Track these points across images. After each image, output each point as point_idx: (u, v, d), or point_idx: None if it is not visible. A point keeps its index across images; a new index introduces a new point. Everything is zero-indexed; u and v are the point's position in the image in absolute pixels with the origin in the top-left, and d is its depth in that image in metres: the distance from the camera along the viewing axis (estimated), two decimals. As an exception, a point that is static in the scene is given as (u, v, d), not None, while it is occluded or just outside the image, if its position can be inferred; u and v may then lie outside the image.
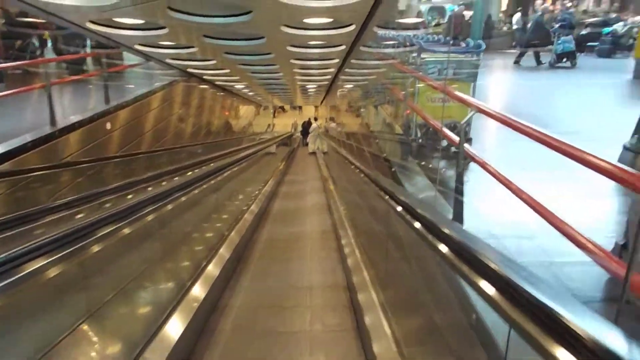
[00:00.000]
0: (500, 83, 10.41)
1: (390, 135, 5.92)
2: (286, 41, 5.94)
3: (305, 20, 5.06)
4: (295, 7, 4.20)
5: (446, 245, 1.45)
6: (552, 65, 12.96)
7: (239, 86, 12.68)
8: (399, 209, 1.94)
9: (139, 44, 5.70)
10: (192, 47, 6.20)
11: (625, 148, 3.92)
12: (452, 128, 4.66)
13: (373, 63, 7.40)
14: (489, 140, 5.27)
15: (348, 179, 5.39)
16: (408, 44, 4.86)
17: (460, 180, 2.37)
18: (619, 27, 16.68)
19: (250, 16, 4.22)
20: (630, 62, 11.03)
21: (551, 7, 23.27)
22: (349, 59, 7.83)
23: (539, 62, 13.53)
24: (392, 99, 6.71)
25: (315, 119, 20.99)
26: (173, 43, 5.79)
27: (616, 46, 15.00)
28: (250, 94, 15.78)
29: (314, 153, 17.09)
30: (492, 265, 1.12)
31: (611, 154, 4.43)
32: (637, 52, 10.64)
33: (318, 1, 4.12)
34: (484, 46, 4.34)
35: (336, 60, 7.81)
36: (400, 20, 4.96)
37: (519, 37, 20.02)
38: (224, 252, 3.32)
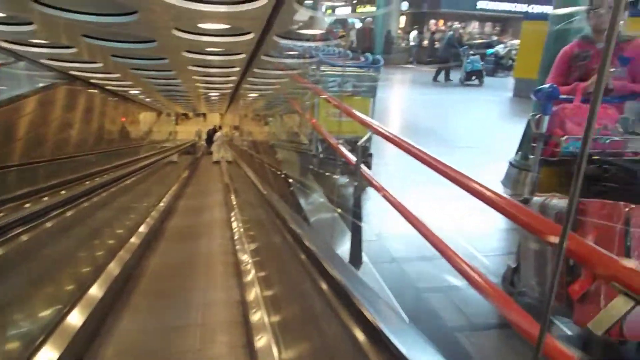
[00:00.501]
0: (401, 98, 10.84)
1: (294, 146, 5.78)
2: (181, 47, 5.55)
3: (200, 26, 4.73)
4: (187, 10, 3.87)
5: (326, 283, 1.34)
6: (462, 83, 13.83)
7: (134, 92, 11.78)
8: (289, 237, 1.76)
9: (4, 41, 4.94)
10: (72, 47, 5.53)
11: (510, 164, 4.15)
12: (354, 143, 4.65)
13: (276, 73, 7.23)
14: (390, 151, 5.34)
15: (250, 193, 5.13)
16: (308, 55, 4.76)
17: (358, 205, 2.25)
18: (500, 48, 18.41)
19: (135, 17, 3.80)
20: (511, 81, 12.15)
21: (443, 27, 25.20)
22: (251, 67, 7.58)
23: (447, 79, 14.37)
24: (296, 110, 6.58)
25: (220, 127, 20.38)
26: (47, 42, 5.10)
27: (498, 66, 16.48)
28: (148, 100, 14.79)
29: (218, 162, 16.60)
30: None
31: (499, 168, 4.73)
32: (515, 72, 11.78)
33: (211, 5, 3.83)
34: (382, 61, 4.37)
35: (237, 69, 7.51)
36: (303, 31, 4.85)
37: (415, 53, 21.34)
38: (96, 291, 2.83)
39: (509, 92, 11.65)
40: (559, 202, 1.86)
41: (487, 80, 14.58)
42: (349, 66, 4.43)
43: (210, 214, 7.85)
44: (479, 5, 22.90)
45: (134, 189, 5.46)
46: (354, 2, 28.01)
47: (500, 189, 4.30)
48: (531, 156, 2.10)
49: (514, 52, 17.78)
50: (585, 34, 2.28)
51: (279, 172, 4.87)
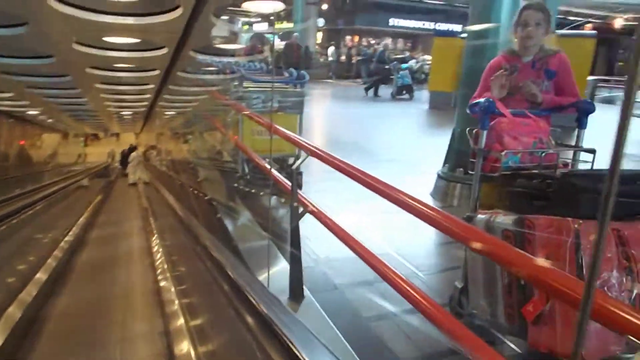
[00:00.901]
0: (326, 112, 10.84)
1: (217, 165, 5.46)
2: (84, 62, 5.04)
3: (107, 40, 4.31)
4: (89, 22, 3.48)
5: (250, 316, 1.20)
6: (394, 97, 14.15)
7: (32, 112, 10.68)
8: (211, 266, 1.53)
9: None
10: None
11: (439, 176, 4.20)
12: (282, 162, 4.46)
13: (194, 90, 6.86)
14: (320, 166, 5.21)
15: (170, 217, 4.74)
16: (229, 71, 4.52)
17: (296, 234, 2.05)
18: (413, 63, 19.30)
19: (25, 29, 3.33)
20: (426, 94, 12.70)
21: (351, 43, 26.03)
22: (166, 84, 7.14)
23: (376, 94, 14.64)
24: (218, 128, 6.25)
25: (136, 147, 19.22)
26: None
27: (412, 80, 17.12)
28: (51, 121, 13.54)
29: (134, 184, 15.61)
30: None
31: (426, 180, 4.79)
32: (430, 85, 12.33)
33: (117, 17, 3.46)
34: (307, 77, 4.25)
35: (152, 86, 7.04)
36: (222, 46, 4.60)
37: (334, 68, 21.77)
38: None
39: (425, 105, 12.15)
40: (504, 219, 1.79)
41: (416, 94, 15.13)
42: (273, 82, 4.25)
43: (127, 242, 7.21)
44: (391, 22, 23.95)
45: (37, 219, 4.82)
46: (271, 18, 28.07)
47: (430, 201, 4.33)
48: (471, 172, 2.04)
49: (426, 66, 18.75)
50: (511, 48, 2.30)
51: (202, 194, 4.54)
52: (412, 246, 3.23)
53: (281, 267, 2.33)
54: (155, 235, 6.29)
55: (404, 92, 14.34)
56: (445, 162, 4.22)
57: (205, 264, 2.00)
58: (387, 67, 15.35)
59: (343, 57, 21.74)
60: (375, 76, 15.30)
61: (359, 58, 21.09)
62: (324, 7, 22.16)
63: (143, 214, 9.08)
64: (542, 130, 2.03)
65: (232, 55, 4.47)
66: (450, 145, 4.14)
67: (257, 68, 4.98)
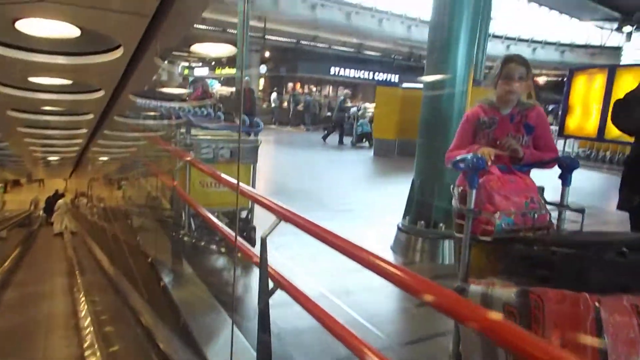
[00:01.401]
0: (275, 160, 10.52)
1: (157, 218, 4.98)
2: (7, 104, 4.51)
3: (33, 80, 3.86)
4: (12, 60, 3.06)
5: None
6: (354, 145, 14.05)
7: (-59, 157, 9.59)
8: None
9: None
10: None
11: (399, 229, 4.02)
12: (233, 214, 4.11)
13: (133, 135, 6.40)
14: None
15: (100, 274, 4.17)
16: (174, 117, 4.19)
17: (265, 318, 1.72)
18: (354, 110, 19.74)
19: None
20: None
21: (300, 90, 26.50)
22: (101, 129, 6.62)
23: (341, 142, 14.56)
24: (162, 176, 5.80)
25: (63, 194, 17.86)
26: None
27: (335, 124, 17.26)
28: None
29: (60, 234, 14.37)
30: None
31: (383, 232, 4.61)
32: (374, 133, 12.57)
33: (46, 56, 3.07)
34: (262, 125, 4.01)
35: (84, 131, 6.49)
36: (165, 90, 4.28)
37: (277, 114, 21.84)
38: None
39: (370, 152, 12.28)
40: (504, 291, 1.57)
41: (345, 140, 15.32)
42: (223, 129, 3.97)
43: (48, 304, 6.37)
44: (332, 71, 24.68)
45: None
46: (212, 63, 28.04)
47: (390, 256, 4.13)
48: (460, 234, 1.84)
49: (368, 113, 19.22)
50: (489, 100, 2.19)
51: (139, 251, 4.05)
52: (384, 310, 2.97)
53: (240, 347, 1.96)
54: (82, 296, 5.58)
55: (364, 139, 14.38)
56: (406, 214, 4.06)
57: (135, 331, 1.62)
58: (347, 115, 15.59)
59: (285, 104, 21.90)
60: (334, 124, 15.47)
61: (302, 105, 21.35)
62: (267, 54, 22.44)
63: (69, 269, 8.18)
64: (530, 189, 1.90)
65: (177, 100, 4.16)
66: (410, 197, 4.01)
67: (206, 114, 4.69)
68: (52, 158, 10.89)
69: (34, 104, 4.53)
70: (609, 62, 24.99)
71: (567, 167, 1.97)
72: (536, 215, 1.81)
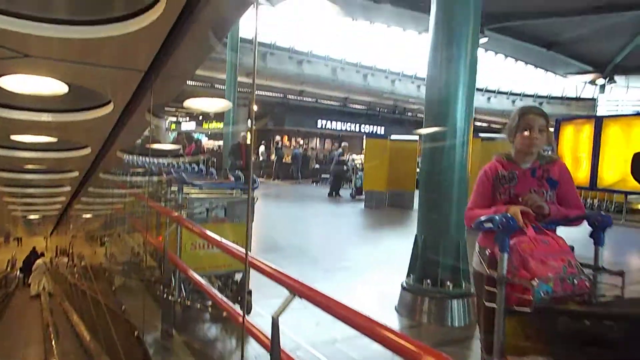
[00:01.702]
0: (266, 215, 10.25)
1: (143, 279, 4.66)
2: (-15, 163, 4.30)
3: (16, 138, 3.68)
4: (-6, 118, 2.90)
5: None
6: (353, 197, 13.82)
7: None
8: None
9: None
10: None
11: (403, 288, 3.78)
12: (227, 278, 3.85)
13: (119, 192, 6.18)
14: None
15: (78, 343, 3.79)
16: (164, 174, 4.00)
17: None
18: (352, 163, 19.75)
19: None
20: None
21: (287, 144, 26.68)
22: (86, 186, 6.38)
23: (337, 194, 14.37)
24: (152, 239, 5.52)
25: (42, 254, 17.19)
26: None
27: (333, 177, 17.19)
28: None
29: (38, 296, 13.64)
30: None
31: (386, 291, 4.36)
32: (365, 185, 12.48)
33: (31, 113, 2.92)
34: (258, 181, 3.83)
35: (68, 189, 6.25)
36: (155, 146, 4.13)
37: (265, 167, 21.79)
38: None
39: (361, 204, 12.14)
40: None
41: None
42: (218, 187, 3.78)
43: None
44: (319, 124, 24.99)
45: None
46: (200, 118, 28.24)
47: (395, 317, 3.86)
48: (491, 303, 1.63)
49: (358, 164, 19.21)
50: (507, 153, 2.07)
51: (123, 319, 3.71)
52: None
53: None
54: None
55: (363, 192, 14.19)
56: (410, 271, 3.84)
57: None
58: (345, 168, 15.51)
59: (273, 157, 21.92)
60: (334, 177, 15.38)
61: (291, 158, 21.40)
62: (255, 108, 22.70)
63: (45, 335, 7.62)
64: (565, 250, 1.72)
65: (168, 156, 3.99)
66: (413, 253, 3.80)
67: (197, 170, 4.51)
68: (32, 217, 10.50)
69: (16, 162, 4.33)
70: (584, 113, 25.87)
71: (600, 225, 1.81)
72: (576, 281, 1.63)
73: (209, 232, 2.79)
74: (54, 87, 2.72)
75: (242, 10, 2.05)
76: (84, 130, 3.48)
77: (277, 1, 19.12)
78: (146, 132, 4.31)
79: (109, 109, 3.02)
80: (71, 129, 3.39)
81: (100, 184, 6.40)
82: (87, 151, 4.16)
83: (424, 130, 3.77)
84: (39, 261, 15.63)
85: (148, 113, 3.35)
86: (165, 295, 3.17)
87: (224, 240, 2.57)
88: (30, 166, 4.70)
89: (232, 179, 3.79)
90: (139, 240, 5.75)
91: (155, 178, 4.33)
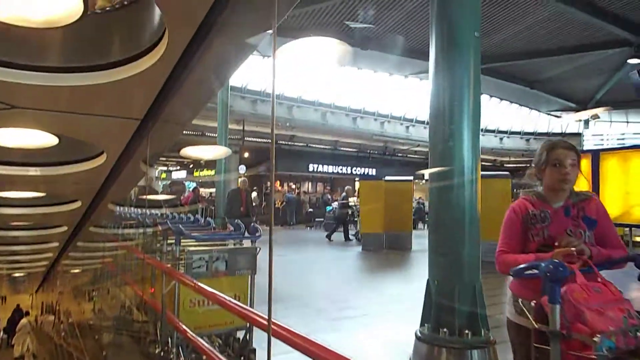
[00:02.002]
0: (263, 262, 9.93)
1: (137, 340, 4.34)
2: (-33, 221, 4.07)
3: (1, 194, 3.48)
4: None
5: None
6: (359, 240, 13.51)
7: None
8: None
9: None
10: None
11: (418, 339, 3.53)
12: (228, 337, 3.57)
13: (110, 246, 5.91)
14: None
15: None
16: (159, 225, 3.79)
17: None
18: (335, 205, 19.62)
19: None
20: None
21: (280, 188, 26.56)
22: (75, 240, 6.11)
23: (347, 238, 14.06)
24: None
25: (27, 312, 16.49)
26: None
27: (338, 221, 17.06)
28: None
29: (22, 357, 12.94)
30: None
31: (398, 342, 4.09)
32: (362, 228, 12.28)
33: (15, 168, 2.75)
34: (260, 231, 3.64)
35: (56, 244, 5.98)
36: (150, 197, 3.94)
37: (259, 213, 21.52)
38: None
39: (358, 247, 11.89)
40: None
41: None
42: (217, 238, 3.56)
43: None
44: (311, 167, 25.00)
45: None
46: (191, 166, 28.16)
47: (411, 371, 3.58)
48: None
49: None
50: (535, 191, 1.92)
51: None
52: None
53: None
54: None
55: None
56: (424, 320, 3.59)
57: None
58: (350, 212, 15.34)
59: (265, 203, 21.73)
60: (337, 221, 15.19)
61: (284, 202, 21.21)
62: (246, 154, 22.72)
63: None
64: (620, 299, 1.54)
65: (161, 206, 3.80)
66: (427, 300, 3.57)
67: (192, 220, 4.31)
68: (17, 275, 10.06)
69: (1, 219, 4.11)
70: (572, 147, 26.23)
71: (649, 267, 1.65)
72: (639, 334, 1.44)
73: (209, 289, 2.57)
74: (42, 139, 2.56)
75: (243, 56, 1.94)
76: (73, 183, 3.29)
77: (268, 52, 19.53)
78: (140, 182, 4.14)
79: (101, 159, 2.85)
80: (60, 182, 3.20)
81: (90, 238, 6.15)
82: (77, 205, 3.96)
83: (429, 171, 3.64)
84: (24, 320, 14.92)
85: (143, 163, 3.18)
86: (162, 357, 2.89)
87: (226, 298, 2.35)
88: (16, 223, 4.47)
89: (232, 228, 3.60)
90: (132, 296, 5.44)
91: (149, 230, 4.11)
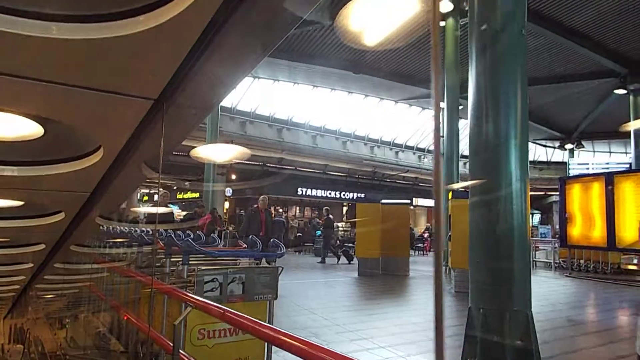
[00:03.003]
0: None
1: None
2: None
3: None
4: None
5: None
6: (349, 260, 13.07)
7: None
8: None
9: None
10: None
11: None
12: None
13: (93, 267, 5.31)
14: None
15: None
16: (160, 242, 3.26)
17: None
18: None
19: None
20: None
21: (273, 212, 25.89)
22: (52, 261, 5.47)
23: (349, 260, 13.73)
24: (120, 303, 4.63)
25: (-8, 342, 15.30)
26: None
27: (326, 240, 16.46)
28: None
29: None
30: None
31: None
32: (357, 252, 11.76)
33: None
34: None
35: (30, 265, 5.33)
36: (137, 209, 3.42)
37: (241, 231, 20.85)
38: None
39: (354, 272, 11.37)
40: None
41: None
42: (232, 255, 3.04)
43: None
44: (299, 191, 24.52)
45: None
46: (174, 188, 27.39)
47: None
48: None
49: (339, 232, 18.62)
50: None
51: None
52: None
53: None
54: None
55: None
56: (467, 355, 3.10)
57: None
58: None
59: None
60: (325, 240, 14.96)
61: (276, 224, 20.58)
62: (233, 177, 22.15)
63: None
64: None
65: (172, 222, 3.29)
66: (470, 332, 3.09)
67: (194, 237, 3.77)
68: (-16, 299, 9.19)
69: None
70: (557, 176, 26.49)
71: None
72: None
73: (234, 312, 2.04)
74: (23, 128, 2.06)
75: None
76: (58, 188, 2.77)
77: (258, 73, 19.27)
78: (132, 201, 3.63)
79: (97, 157, 2.34)
80: (44, 186, 2.67)
81: (70, 260, 5.54)
82: (59, 217, 3.41)
83: (470, 183, 3.22)
84: (-12, 351, 13.81)
85: (146, 165, 2.67)
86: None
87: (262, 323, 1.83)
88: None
89: (244, 245, 3.09)
90: (110, 322, 4.83)
91: (145, 248, 3.57)
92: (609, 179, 8.49)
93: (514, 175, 3.04)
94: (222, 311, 1.90)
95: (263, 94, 20.26)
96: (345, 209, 27.85)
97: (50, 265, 5.70)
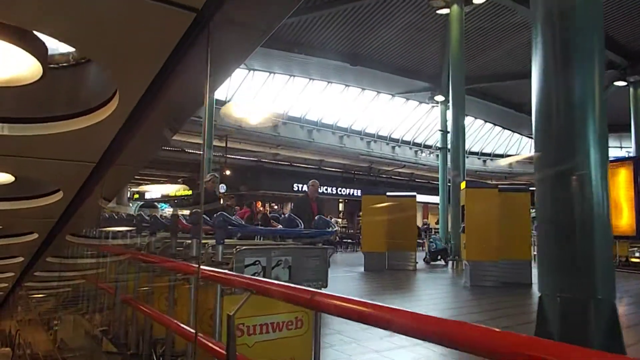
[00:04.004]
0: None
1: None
2: None
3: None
4: None
5: None
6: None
7: None
8: None
9: None
10: None
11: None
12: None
13: (96, 261, 4.84)
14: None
15: None
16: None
17: None
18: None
19: None
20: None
21: (261, 208, 25.40)
22: (45, 254, 4.96)
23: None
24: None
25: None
26: None
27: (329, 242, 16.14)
28: None
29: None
30: None
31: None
32: (363, 247, 11.34)
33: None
34: (336, 227, 2.68)
35: (20, 260, 4.82)
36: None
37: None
38: None
39: (360, 267, 10.95)
40: None
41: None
42: (281, 233, 2.56)
43: None
44: (295, 187, 24.03)
45: None
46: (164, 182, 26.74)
47: None
48: None
49: (335, 228, 17.99)
50: None
51: None
52: None
53: None
54: None
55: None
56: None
57: None
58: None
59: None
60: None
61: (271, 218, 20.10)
62: (227, 172, 21.60)
63: None
64: None
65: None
66: (541, 322, 2.65)
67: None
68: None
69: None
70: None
71: None
72: None
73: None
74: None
75: (198, 103, 1.86)
76: (29, 217, 2.36)
77: (254, 65, 18.74)
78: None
79: (58, 196, 1.97)
80: (17, 216, 2.35)
81: (63, 254, 5.05)
82: (33, 237, 3.12)
83: (535, 154, 2.79)
84: (-26, 355, 13.17)
85: (102, 199, 2.33)
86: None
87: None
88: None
89: (279, 225, 2.64)
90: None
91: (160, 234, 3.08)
92: (638, 164, 8.10)
93: (592, 158, 2.61)
94: (308, 297, 1.40)
95: (259, 86, 19.75)
96: (341, 205, 27.44)
97: (43, 259, 5.19)
